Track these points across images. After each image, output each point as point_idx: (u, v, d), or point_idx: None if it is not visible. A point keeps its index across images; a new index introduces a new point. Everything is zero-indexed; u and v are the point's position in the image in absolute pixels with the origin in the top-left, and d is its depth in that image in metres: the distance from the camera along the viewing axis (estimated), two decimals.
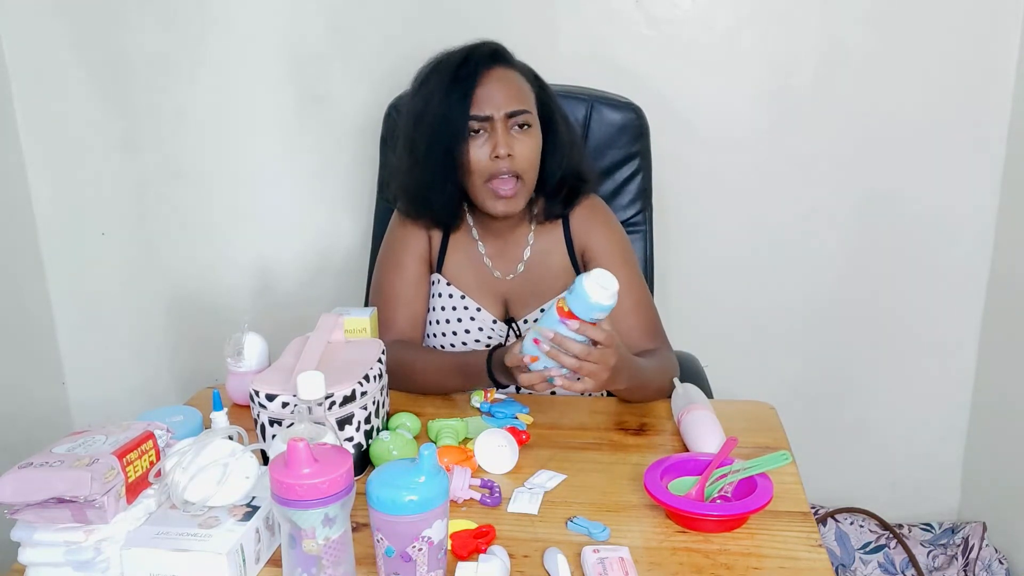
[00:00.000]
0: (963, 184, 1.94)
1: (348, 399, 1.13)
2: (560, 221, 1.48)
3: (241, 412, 1.33)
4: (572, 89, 1.67)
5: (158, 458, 1.00)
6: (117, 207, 2.11)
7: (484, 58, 1.38)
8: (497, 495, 1.12)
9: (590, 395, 1.45)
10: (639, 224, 1.69)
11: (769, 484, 1.06)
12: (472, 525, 1.03)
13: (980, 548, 1.95)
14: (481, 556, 0.97)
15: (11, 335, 2.07)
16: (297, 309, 2.07)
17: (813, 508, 1.98)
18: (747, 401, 1.41)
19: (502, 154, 1.34)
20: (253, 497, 0.98)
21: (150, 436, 1.00)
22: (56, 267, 2.16)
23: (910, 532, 2.03)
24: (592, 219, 1.48)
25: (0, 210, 2.04)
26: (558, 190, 1.45)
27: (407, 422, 1.27)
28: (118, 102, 2.03)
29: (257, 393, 1.14)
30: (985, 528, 1.98)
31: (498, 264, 1.49)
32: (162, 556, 0.90)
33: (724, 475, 1.08)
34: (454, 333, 1.48)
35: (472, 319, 1.47)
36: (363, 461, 1.17)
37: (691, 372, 1.59)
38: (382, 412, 1.24)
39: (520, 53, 1.44)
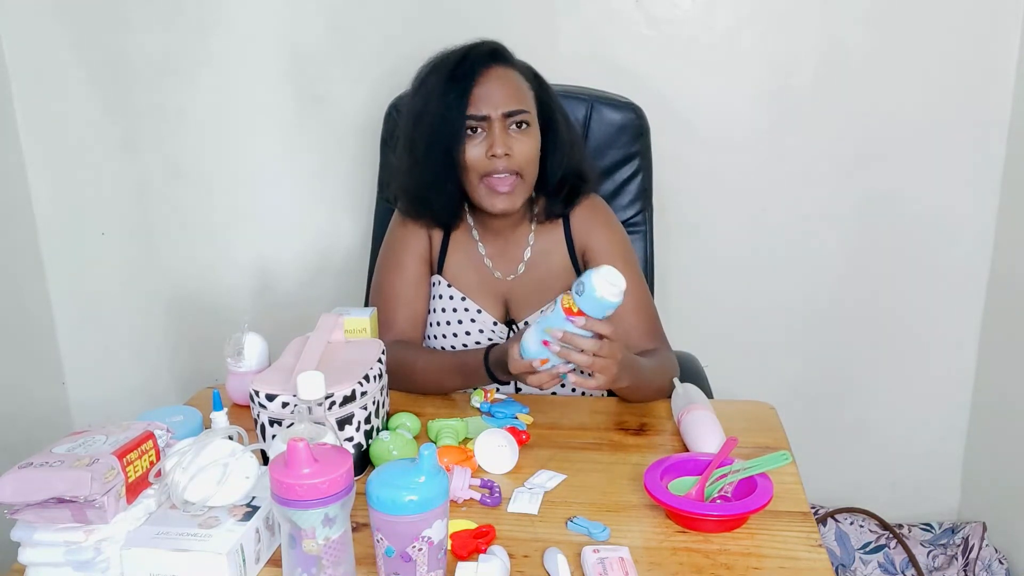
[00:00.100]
0: (963, 184, 1.94)
1: (348, 399, 1.13)
2: (560, 221, 1.48)
3: (241, 412, 1.33)
4: (572, 89, 1.67)
5: (158, 458, 1.00)
6: (117, 207, 2.11)
7: (482, 57, 1.38)
8: (497, 495, 1.12)
9: (591, 395, 1.45)
10: (639, 224, 1.69)
11: (769, 484, 1.06)
12: (472, 525, 1.03)
13: (980, 548, 1.95)
14: (481, 556, 0.97)
15: (11, 335, 2.07)
16: (297, 309, 2.07)
17: (813, 508, 1.98)
18: (747, 401, 1.41)
19: (499, 153, 1.34)
20: (253, 497, 0.98)
21: (150, 436, 1.00)
22: (56, 267, 2.16)
23: (910, 532, 2.03)
24: (593, 219, 1.48)
25: (0, 210, 2.04)
26: (559, 189, 1.45)
27: (407, 422, 1.27)
28: (118, 102, 2.03)
29: (257, 393, 1.14)
30: (985, 528, 1.98)
31: (498, 265, 1.49)
32: (162, 556, 0.90)
33: (724, 475, 1.08)
34: (454, 335, 1.48)
35: (472, 320, 1.47)
36: (363, 461, 1.17)
37: (691, 372, 1.59)
38: (382, 412, 1.24)
39: (520, 53, 1.44)
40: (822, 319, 2.05)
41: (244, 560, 0.93)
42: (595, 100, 1.67)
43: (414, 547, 0.89)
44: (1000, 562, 1.94)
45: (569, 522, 1.06)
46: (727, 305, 2.05)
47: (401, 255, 1.49)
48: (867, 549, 2.01)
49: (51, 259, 2.16)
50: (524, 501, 1.10)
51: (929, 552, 2.00)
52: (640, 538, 1.03)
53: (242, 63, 1.99)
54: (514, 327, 1.48)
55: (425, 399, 1.41)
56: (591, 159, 1.56)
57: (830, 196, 1.97)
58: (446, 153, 1.36)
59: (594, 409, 1.38)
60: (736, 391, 1.67)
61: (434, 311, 1.50)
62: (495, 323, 1.47)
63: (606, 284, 1.11)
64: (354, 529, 0.95)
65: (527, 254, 1.48)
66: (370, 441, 1.18)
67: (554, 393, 1.46)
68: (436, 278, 1.50)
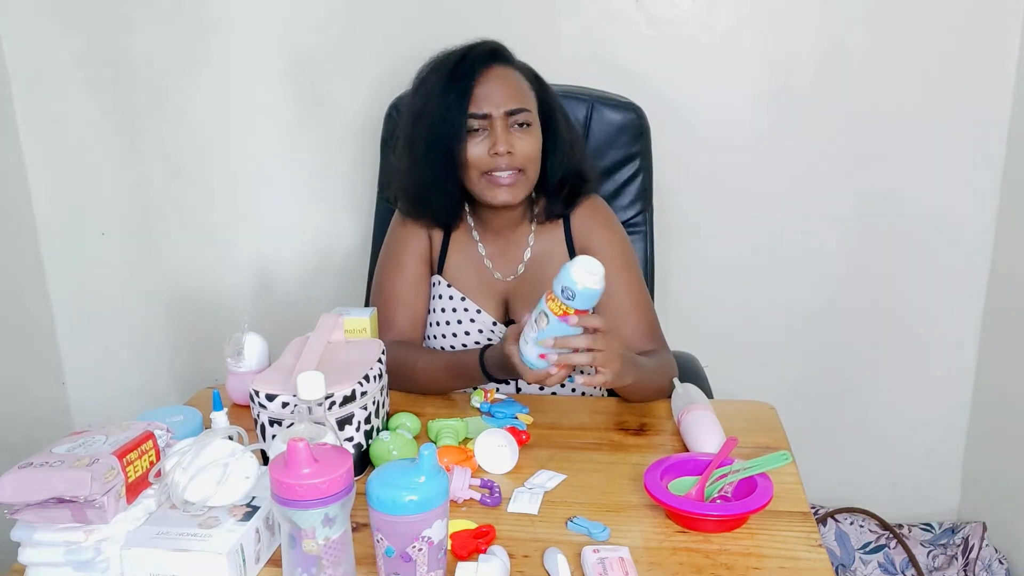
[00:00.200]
0: (963, 184, 1.94)
1: (348, 399, 1.13)
2: (561, 221, 1.47)
3: (241, 412, 1.33)
4: (572, 89, 1.67)
5: (158, 458, 1.00)
6: (117, 207, 2.11)
7: (483, 56, 1.38)
8: (497, 495, 1.12)
9: (591, 395, 1.45)
10: (639, 224, 1.69)
11: (769, 484, 1.06)
12: (472, 525, 1.03)
13: (980, 548, 1.95)
14: (481, 556, 0.97)
15: (11, 335, 2.07)
16: (297, 309, 2.07)
17: (813, 508, 1.98)
18: (747, 401, 1.41)
19: (501, 151, 1.34)
20: (253, 497, 0.98)
21: (150, 436, 1.00)
22: (56, 267, 2.16)
23: (910, 532, 2.03)
24: (593, 219, 1.48)
25: (0, 210, 2.04)
26: (559, 190, 1.45)
27: (407, 422, 1.27)
28: (118, 102, 2.04)
29: (257, 393, 1.14)
30: (985, 528, 1.98)
31: (498, 265, 1.49)
32: (162, 556, 0.90)
33: (724, 475, 1.08)
34: (454, 335, 1.48)
35: (472, 321, 1.47)
36: (363, 461, 1.17)
37: (691, 372, 1.59)
38: (382, 412, 1.24)
39: (520, 53, 1.44)
40: (822, 319, 2.05)
41: (244, 560, 0.93)
42: (595, 100, 1.67)
43: (414, 547, 0.89)
44: (1000, 562, 1.94)
45: (569, 522, 1.06)
46: (727, 305, 2.05)
47: (401, 255, 1.49)
48: (867, 549, 2.01)
49: (51, 259, 2.16)
50: (524, 501, 1.10)
51: (929, 552, 2.00)
52: (640, 538, 1.03)
53: (242, 63, 1.99)
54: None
55: (425, 399, 1.41)
56: (591, 159, 1.56)
57: (830, 196, 1.97)
58: (447, 152, 1.36)
59: (594, 409, 1.38)
60: (736, 391, 1.67)
61: (434, 311, 1.50)
62: (495, 323, 1.47)
63: (587, 275, 1.11)
64: (354, 529, 0.95)
65: (527, 254, 1.48)
66: (370, 441, 1.18)
67: (554, 393, 1.46)
68: (436, 278, 1.50)
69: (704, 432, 1.20)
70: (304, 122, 2.02)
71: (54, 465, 0.91)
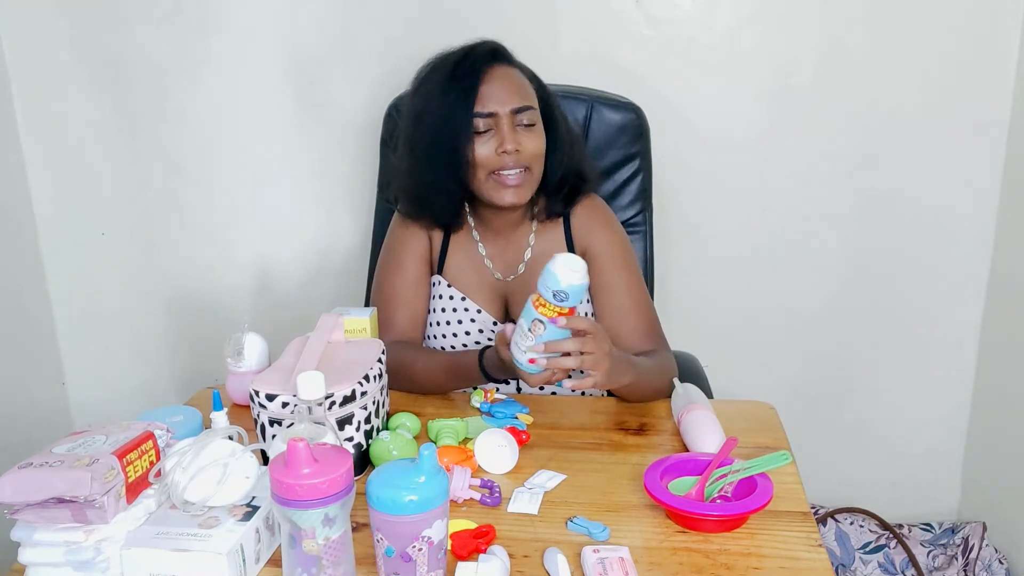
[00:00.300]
0: (963, 184, 1.94)
1: (348, 399, 1.13)
2: (561, 221, 1.47)
3: (241, 412, 1.33)
4: (572, 89, 1.67)
5: (158, 458, 1.00)
6: (117, 207, 2.11)
7: (485, 56, 1.38)
8: (497, 495, 1.12)
9: (591, 395, 1.45)
10: (639, 224, 1.69)
11: (769, 484, 1.06)
12: (472, 525, 1.03)
13: (980, 548, 1.95)
14: (481, 556, 0.97)
15: (11, 335, 2.07)
16: (297, 309, 2.07)
17: (813, 508, 1.98)
18: (747, 401, 1.41)
19: (509, 149, 1.34)
20: (253, 497, 0.98)
21: (150, 436, 1.00)
22: (56, 267, 2.16)
23: (910, 532, 2.03)
24: (593, 220, 1.48)
25: (0, 210, 2.04)
26: (559, 188, 1.45)
27: (407, 422, 1.27)
28: (118, 102, 2.04)
29: (257, 393, 1.14)
30: (985, 528, 1.98)
31: (499, 265, 1.49)
32: (162, 556, 0.90)
33: (724, 475, 1.08)
34: (454, 335, 1.48)
35: (472, 321, 1.47)
36: (363, 461, 1.17)
37: (691, 372, 1.59)
38: (382, 412, 1.24)
39: (520, 53, 1.44)
40: (822, 319, 2.05)
41: (244, 560, 0.93)
42: (595, 100, 1.67)
43: (414, 547, 0.89)
44: (1000, 562, 1.94)
45: (569, 522, 1.06)
46: (727, 305, 2.05)
47: (401, 255, 1.49)
48: (867, 549, 2.01)
49: (51, 259, 2.16)
50: (524, 501, 1.10)
51: (929, 552, 2.00)
52: (640, 538, 1.03)
53: (242, 63, 1.99)
54: None
55: (425, 399, 1.41)
56: (591, 159, 1.56)
57: (830, 196, 1.97)
58: (451, 152, 1.36)
59: (594, 409, 1.38)
60: (736, 391, 1.67)
61: (434, 311, 1.50)
62: (495, 323, 1.47)
63: (572, 273, 1.12)
64: (354, 529, 0.95)
65: (528, 254, 1.48)
66: (370, 441, 1.18)
67: (554, 393, 1.46)
68: (436, 278, 1.50)
69: (704, 432, 1.20)
70: (304, 122, 2.02)
71: (54, 465, 0.91)
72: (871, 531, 2.02)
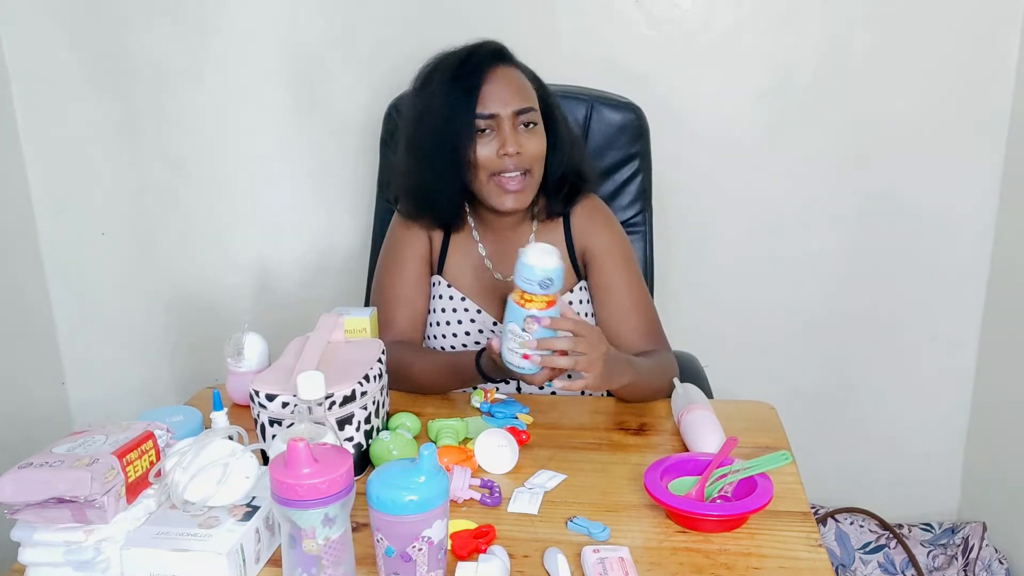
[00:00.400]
0: (963, 184, 1.94)
1: (348, 399, 1.13)
2: (561, 221, 1.48)
3: (241, 412, 1.33)
4: (572, 89, 1.67)
5: (158, 458, 1.00)
6: (117, 207, 2.11)
7: (487, 56, 1.38)
8: (497, 495, 1.12)
9: (591, 395, 1.45)
10: (639, 224, 1.69)
11: (769, 484, 1.06)
12: (472, 525, 1.03)
13: (980, 548, 1.95)
14: (481, 556, 0.97)
15: (11, 335, 2.07)
16: (297, 309, 2.07)
17: (813, 508, 1.98)
18: (747, 401, 1.41)
19: (510, 152, 1.34)
20: (253, 497, 0.98)
21: (150, 436, 1.00)
22: (56, 267, 2.16)
23: (910, 532, 2.03)
24: (593, 220, 1.48)
25: (0, 210, 2.04)
26: (559, 188, 1.45)
27: (407, 422, 1.27)
28: (118, 102, 2.04)
29: (257, 393, 1.14)
30: (985, 528, 1.98)
31: (499, 265, 1.49)
32: (162, 556, 0.90)
33: (724, 475, 1.08)
34: (454, 335, 1.48)
35: (472, 321, 1.47)
36: (363, 461, 1.17)
37: (691, 372, 1.59)
38: (382, 412, 1.24)
39: (520, 53, 1.44)
40: (822, 319, 2.05)
41: (244, 560, 0.93)
42: (595, 100, 1.67)
43: (414, 547, 0.89)
44: (1000, 562, 1.94)
45: (569, 522, 1.06)
46: (727, 305, 2.05)
47: (401, 255, 1.49)
48: (867, 549, 2.01)
49: (51, 259, 2.16)
50: (524, 501, 1.10)
51: (929, 552, 2.00)
52: (640, 538, 1.03)
53: (242, 63, 1.99)
54: None
55: (425, 399, 1.41)
56: (591, 159, 1.56)
57: (830, 196, 1.97)
58: (452, 152, 1.36)
59: (594, 409, 1.38)
60: (736, 391, 1.67)
61: (434, 311, 1.50)
62: (495, 323, 1.47)
63: (549, 257, 1.12)
64: (354, 529, 0.95)
65: None
66: (370, 441, 1.18)
67: (554, 393, 1.46)
68: (436, 278, 1.50)
69: (704, 432, 1.20)
70: (304, 122, 2.02)
71: (54, 465, 0.91)
72: (871, 531, 2.02)
